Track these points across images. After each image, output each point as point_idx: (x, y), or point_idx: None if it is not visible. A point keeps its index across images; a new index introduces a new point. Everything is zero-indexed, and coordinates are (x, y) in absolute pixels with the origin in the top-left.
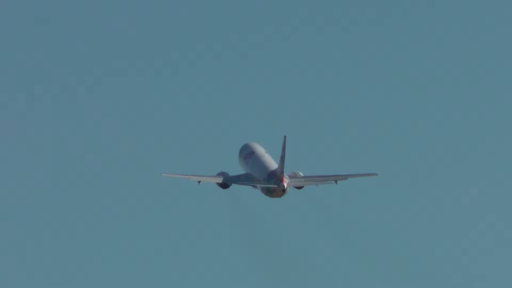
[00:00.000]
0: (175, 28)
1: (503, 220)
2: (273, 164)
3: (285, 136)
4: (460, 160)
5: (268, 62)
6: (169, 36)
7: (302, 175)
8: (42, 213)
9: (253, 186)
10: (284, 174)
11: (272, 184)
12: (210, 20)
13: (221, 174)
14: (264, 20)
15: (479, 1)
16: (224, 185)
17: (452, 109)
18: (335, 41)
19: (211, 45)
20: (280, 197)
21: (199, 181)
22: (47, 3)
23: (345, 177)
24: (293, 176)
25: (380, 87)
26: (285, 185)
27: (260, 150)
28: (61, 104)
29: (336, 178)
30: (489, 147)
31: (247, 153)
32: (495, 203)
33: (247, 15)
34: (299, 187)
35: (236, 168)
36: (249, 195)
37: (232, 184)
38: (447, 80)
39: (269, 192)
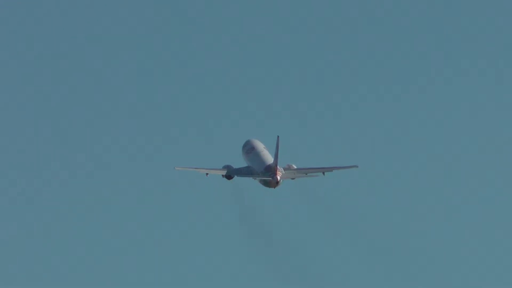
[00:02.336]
0: (177, 26)
1: (492, 209)
2: (269, 159)
3: (278, 136)
4: (435, 153)
5: (263, 65)
6: (179, 36)
7: (295, 167)
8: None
9: (253, 178)
10: (279, 167)
11: (267, 177)
12: (208, 20)
13: (226, 167)
14: (260, 19)
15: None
16: (228, 177)
17: (434, 104)
18: (320, 41)
19: (210, 45)
20: (274, 188)
21: (206, 174)
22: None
23: (330, 169)
24: (287, 168)
25: (364, 85)
26: (279, 178)
27: (259, 146)
28: (73, 102)
29: (323, 170)
30: (474, 140)
31: (248, 148)
32: (484, 194)
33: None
34: (292, 178)
35: (240, 161)
36: (249, 185)
37: (235, 176)
38: (431, 74)
39: (265, 183)
